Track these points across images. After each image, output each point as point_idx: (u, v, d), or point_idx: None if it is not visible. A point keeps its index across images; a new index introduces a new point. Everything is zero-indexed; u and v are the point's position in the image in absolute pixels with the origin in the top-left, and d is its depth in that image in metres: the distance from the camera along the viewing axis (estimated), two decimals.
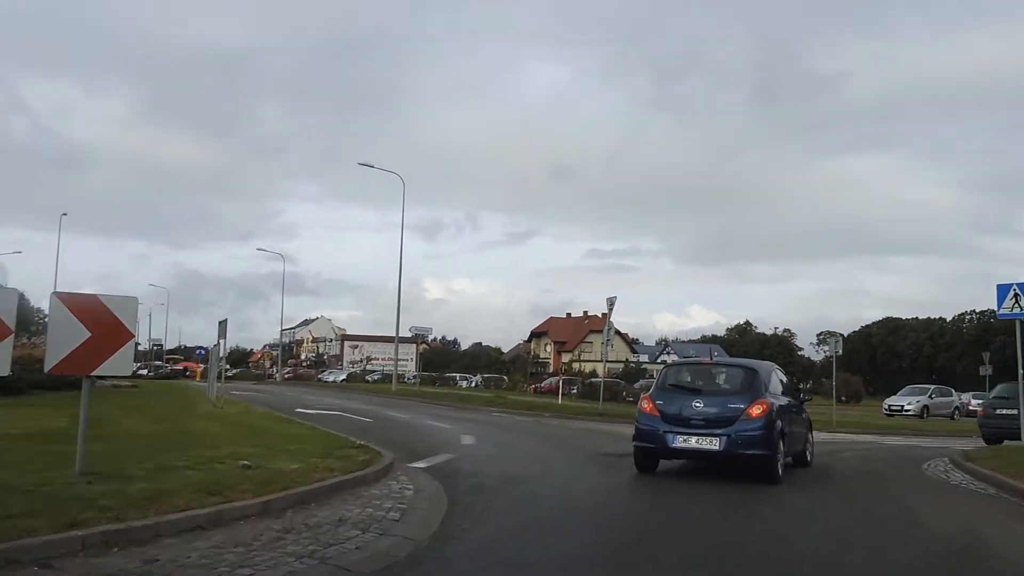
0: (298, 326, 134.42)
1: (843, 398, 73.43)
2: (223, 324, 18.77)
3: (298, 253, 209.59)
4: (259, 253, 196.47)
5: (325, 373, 76.71)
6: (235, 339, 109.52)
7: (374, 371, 72.09)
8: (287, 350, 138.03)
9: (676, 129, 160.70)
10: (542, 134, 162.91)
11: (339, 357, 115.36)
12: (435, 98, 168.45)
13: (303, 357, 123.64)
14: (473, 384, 60.41)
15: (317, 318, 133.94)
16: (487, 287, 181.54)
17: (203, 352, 66.84)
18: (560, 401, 33.10)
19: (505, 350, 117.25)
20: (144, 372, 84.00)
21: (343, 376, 69.95)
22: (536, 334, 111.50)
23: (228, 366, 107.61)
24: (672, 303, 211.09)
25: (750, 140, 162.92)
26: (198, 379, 61.84)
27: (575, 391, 47.33)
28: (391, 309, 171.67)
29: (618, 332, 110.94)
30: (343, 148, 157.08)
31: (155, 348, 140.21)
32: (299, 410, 23.95)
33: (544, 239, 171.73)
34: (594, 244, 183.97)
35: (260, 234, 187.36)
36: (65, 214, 56.85)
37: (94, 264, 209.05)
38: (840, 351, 30.52)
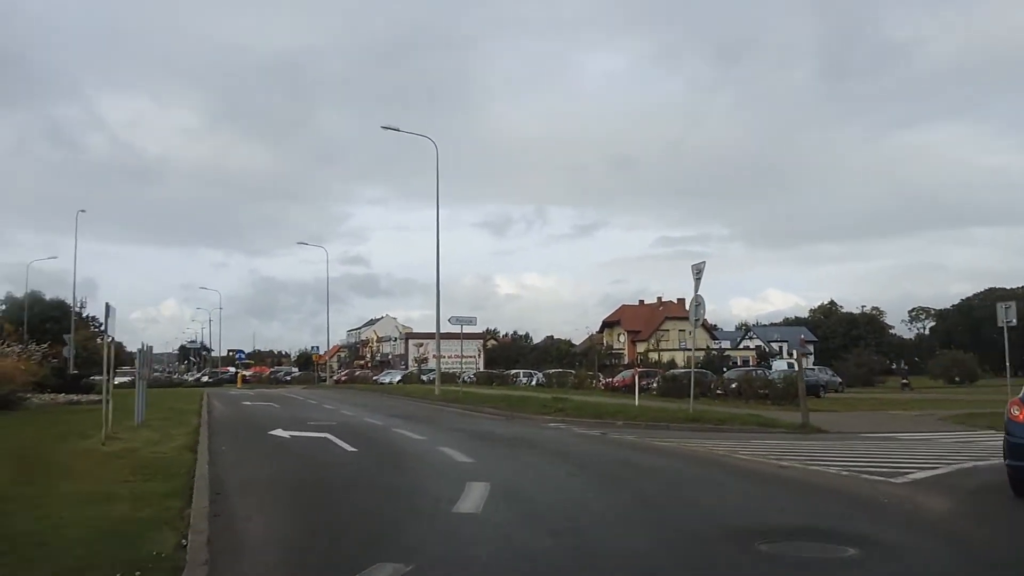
0: (364, 326, 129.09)
1: (956, 379, 63.73)
2: (109, 310, 12.24)
3: (370, 255, 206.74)
4: (332, 257, 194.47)
5: (383, 374, 70.28)
6: (310, 341, 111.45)
7: (431, 370, 65.27)
8: (353, 351, 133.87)
9: (738, 111, 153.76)
10: (603, 124, 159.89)
11: (403, 356, 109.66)
12: (495, 93, 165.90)
13: (368, 357, 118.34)
14: (535, 382, 52.69)
15: (382, 317, 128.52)
16: (557, 281, 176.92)
17: (242, 356, 61.09)
18: (637, 403, 25.43)
19: (576, 342, 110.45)
20: (205, 378, 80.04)
21: (398, 377, 63.34)
22: (608, 324, 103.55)
23: (295, 369, 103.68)
24: (747, 288, 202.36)
25: (816, 117, 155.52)
26: (239, 386, 56.00)
27: (653, 386, 39.57)
28: (463, 305, 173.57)
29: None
30: (406, 148, 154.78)
31: (230, 354, 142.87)
32: (274, 432, 16.98)
33: (612, 230, 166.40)
34: (663, 232, 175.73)
35: (331, 238, 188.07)
36: (83, 211, 51.51)
37: (177, 274, 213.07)
38: (1014, 320, 22.49)
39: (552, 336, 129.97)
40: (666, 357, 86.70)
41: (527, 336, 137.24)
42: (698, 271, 22.04)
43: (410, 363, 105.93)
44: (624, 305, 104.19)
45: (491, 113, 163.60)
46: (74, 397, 25.76)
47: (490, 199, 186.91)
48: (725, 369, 51.35)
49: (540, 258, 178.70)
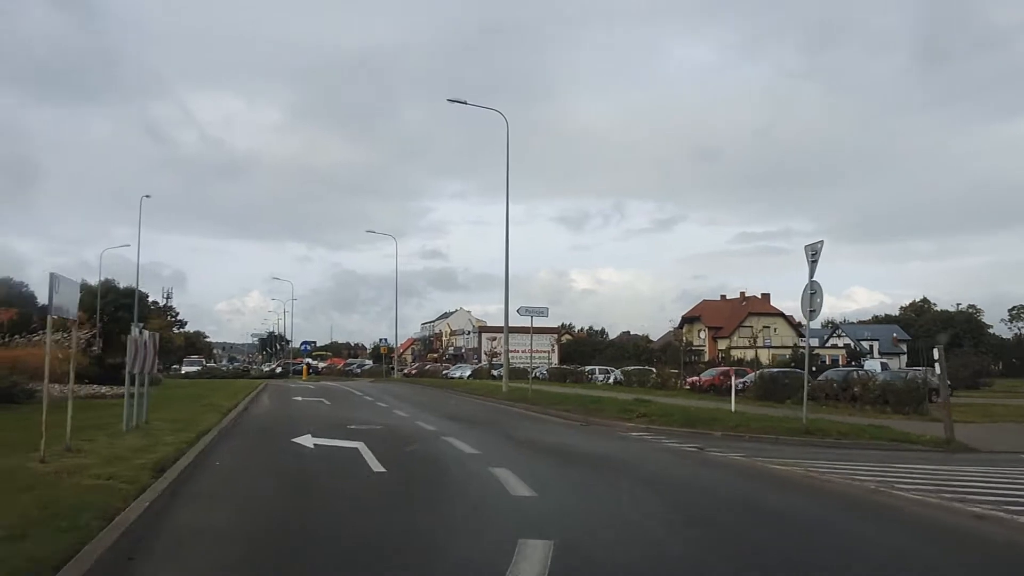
0: (438, 319, 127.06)
1: None
2: (53, 281, 9.30)
3: (448, 249, 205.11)
4: (412, 251, 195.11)
5: (453, 368, 67.49)
6: (387, 334, 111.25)
7: (502, 365, 62.20)
8: (427, 344, 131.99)
9: (827, 100, 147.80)
10: (685, 115, 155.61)
11: (476, 350, 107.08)
12: (575, 86, 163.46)
13: (441, 351, 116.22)
14: (612, 379, 48.78)
15: (456, 311, 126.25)
16: (634, 276, 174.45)
17: (307, 348, 59.04)
18: (733, 407, 21.62)
19: (654, 338, 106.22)
20: (279, 369, 78.85)
21: (468, 372, 60.37)
22: (688, 319, 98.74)
23: (368, 362, 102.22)
24: (830, 285, 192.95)
25: (909, 106, 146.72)
26: (304, 378, 53.92)
27: (743, 387, 35.53)
28: (538, 300, 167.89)
29: (781, 314, 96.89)
30: (486, 143, 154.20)
31: (305, 345, 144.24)
32: (299, 440, 13.88)
33: (691, 224, 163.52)
34: (743, 227, 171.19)
35: (411, 232, 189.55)
36: (148, 196, 50.01)
37: (262, 267, 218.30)
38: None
39: (628, 332, 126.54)
40: (748, 354, 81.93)
41: (602, 331, 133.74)
42: (814, 253, 18.09)
43: (482, 357, 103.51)
44: (705, 300, 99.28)
45: (572, 106, 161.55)
46: (103, 389, 23.28)
47: (568, 193, 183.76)
48: (814, 368, 46.67)
49: (617, 253, 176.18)
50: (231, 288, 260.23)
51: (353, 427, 16.77)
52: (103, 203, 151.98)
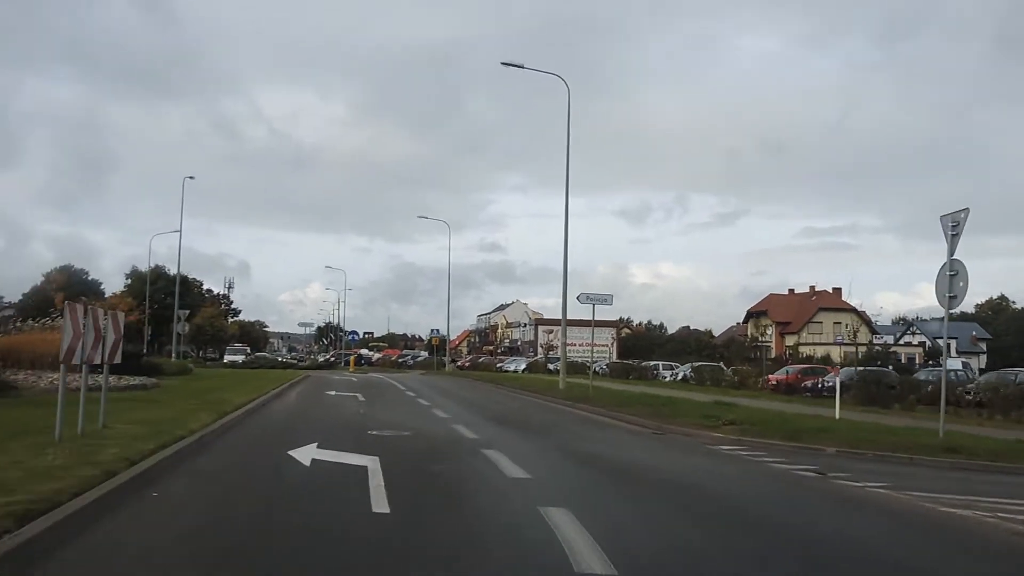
0: (494, 311, 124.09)
1: None
2: None
3: (507, 242, 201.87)
4: (471, 243, 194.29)
5: (507, 361, 64.13)
6: (444, 325, 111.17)
7: (559, 358, 58.47)
8: (482, 336, 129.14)
9: (901, 92, 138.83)
10: (751, 109, 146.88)
11: (532, 343, 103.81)
12: (639, 78, 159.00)
13: (496, 343, 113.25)
14: (679, 376, 44.53)
15: (512, 303, 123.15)
16: (694, 270, 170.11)
17: (354, 338, 56.24)
18: (838, 414, 17.75)
19: (716, 333, 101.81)
20: (332, 359, 76.62)
21: (523, 365, 56.95)
22: (753, 314, 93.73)
23: (423, 353, 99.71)
24: (897, 282, 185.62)
25: (987, 97, 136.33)
26: (351, 369, 51.23)
27: (824, 387, 31.59)
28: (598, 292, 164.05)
29: (854, 309, 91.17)
30: (546, 135, 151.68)
31: (366, 336, 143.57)
32: (296, 453, 10.58)
33: (754, 219, 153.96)
34: (809, 222, 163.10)
35: (471, 225, 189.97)
36: (192, 177, 47.65)
37: (324, 259, 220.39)
38: None
39: (688, 327, 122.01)
40: (818, 351, 76.99)
41: (661, 326, 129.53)
42: (955, 224, 14.18)
43: (538, 350, 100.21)
44: (772, 294, 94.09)
45: (636, 99, 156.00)
46: (111, 380, 20.38)
47: (629, 187, 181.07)
48: (889, 367, 42.02)
49: (677, 247, 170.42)
50: (293, 279, 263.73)
51: (375, 433, 13.47)
52: (175, 195, 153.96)
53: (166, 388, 20.16)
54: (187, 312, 54.44)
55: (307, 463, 9.88)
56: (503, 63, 29.27)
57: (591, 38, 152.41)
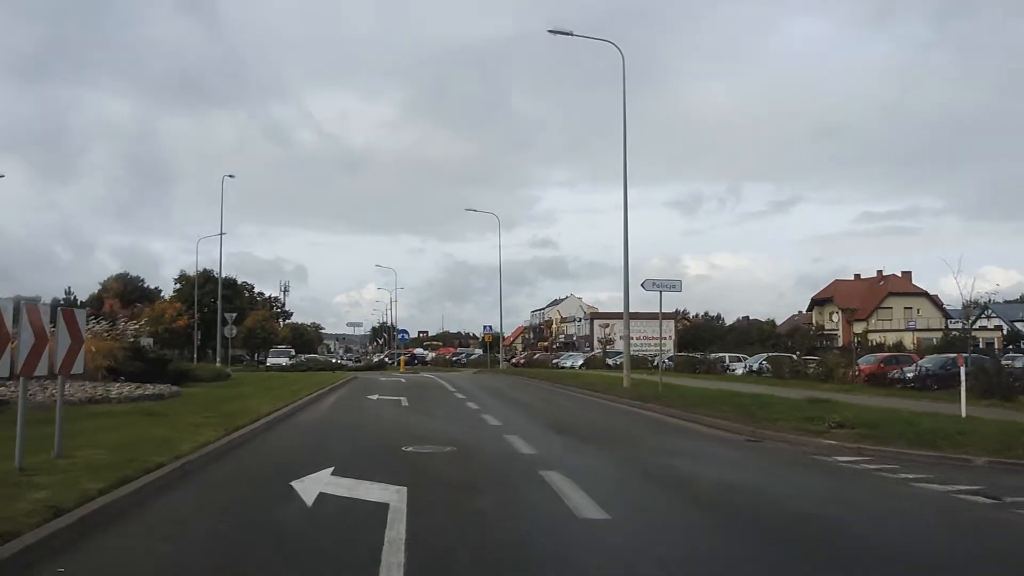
0: (547, 307, 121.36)
1: None
2: None
3: (558, 238, 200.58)
4: (522, 240, 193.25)
5: (564, 357, 61.40)
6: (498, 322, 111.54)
7: (618, 353, 55.36)
8: (537, 332, 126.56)
9: (960, 70, 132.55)
10: (806, 93, 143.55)
11: (588, 338, 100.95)
12: (688, 68, 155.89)
13: (551, 339, 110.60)
14: (751, 369, 40.91)
15: (566, 297, 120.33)
16: (749, 260, 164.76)
17: (404, 337, 54.04)
18: (964, 412, 14.68)
19: (777, 322, 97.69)
20: (387, 360, 74.93)
21: (580, 361, 54.15)
22: (818, 301, 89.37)
23: (477, 351, 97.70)
24: (960, 265, 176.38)
25: None
26: (401, 369, 49.06)
27: (900, 377, 28.43)
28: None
29: (925, 293, 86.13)
30: (593, 129, 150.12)
31: (420, 335, 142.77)
32: (302, 484, 8.09)
33: (810, 205, 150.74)
34: (867, 207, 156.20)
35: (521, 222, 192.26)
36: (231, 176, 45.88)
37: (378, 260, 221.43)
38: None
39: (747, 317, 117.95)
40: (889, 339, 72.67)
41: (718, 317, 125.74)
42: None
43: (595, 345, 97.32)
44: (837, 280, 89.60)
45: (686, 88, 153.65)
46: (126, 389, 18.27)
47: (681, 178, 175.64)
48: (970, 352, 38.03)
49: (732, 237, 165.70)
50: (349, 281, 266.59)
51: (410, 450, 10.96)
52: (229, 201, 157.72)
53: (185, 397, 17.96)
54: (234, 315, 52.93)
55: (310, 501, 7.38)
56: (550, 31, 26.58)
57: (637, 29, 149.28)
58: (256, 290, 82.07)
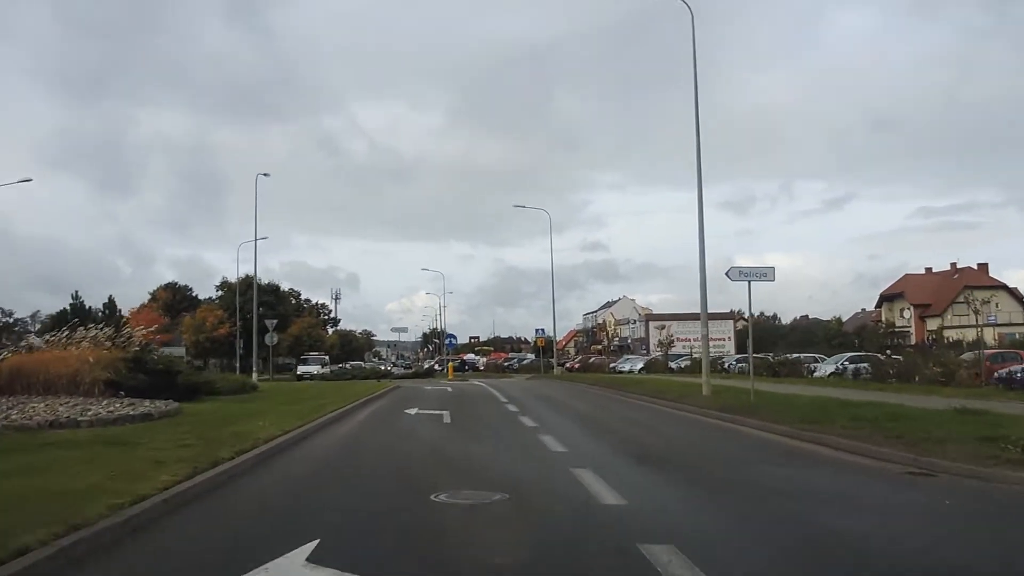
0: (600, 309, 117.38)
1: None
2: None
3: (608, 241, 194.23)
4: (572, 244, 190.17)
5: (621, 361, 57.54)
6: (550, 327, 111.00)
7: (680, 356, 51.32)
8: (589, 335, 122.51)
9: (1019, 57, 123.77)
10: (857, 87, 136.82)
11: (644, 340, 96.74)
12: (737, 63, 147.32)
13: (605, 342, 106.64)
14: (843, 370, 36.20)
15: (619, 299, 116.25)
16: (802, 259, 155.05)
17: (452, 343, 50.87)
18: None
19: (843, 320, 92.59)
20: (437, 367, 71.93)
21: (640, 365, 50.28)
22: (887, 297, 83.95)
23: (530, 356, 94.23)
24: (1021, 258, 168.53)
25: None
26: (450, 376, 45.82)
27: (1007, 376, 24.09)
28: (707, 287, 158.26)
29: (1004, 286, 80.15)
30: (642, 130, 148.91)
31: (472, 341, 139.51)
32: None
33: (864, 202, 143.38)
34: (923, 202, 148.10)
35: (571, 226, 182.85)
36: (266, 174, 43.01)
37: (429, 267, 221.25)
38: None
39: (807, 316, 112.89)
40: (964, 335, 67.17)
41: (775, 317, 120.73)
42: None
43: (651, 347, 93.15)
44: (908, 275, 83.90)
45: (734, 86, 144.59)
46: (122, 407, 15.10)
47: (732, 177, 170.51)
48: None
49: (784, 236, 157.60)
50: (400, 288, 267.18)
51: (442, 499, 7.51)
52: (281, 213, 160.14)
53: (182, 418, 14.78)
54: (275, 322, 50.31)
55: None
56: None
57: (685, 27, 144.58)
58: (303, 297, 79.89)
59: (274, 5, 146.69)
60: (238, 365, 54.82)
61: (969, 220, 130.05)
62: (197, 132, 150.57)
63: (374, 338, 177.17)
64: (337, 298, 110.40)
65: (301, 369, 54.59)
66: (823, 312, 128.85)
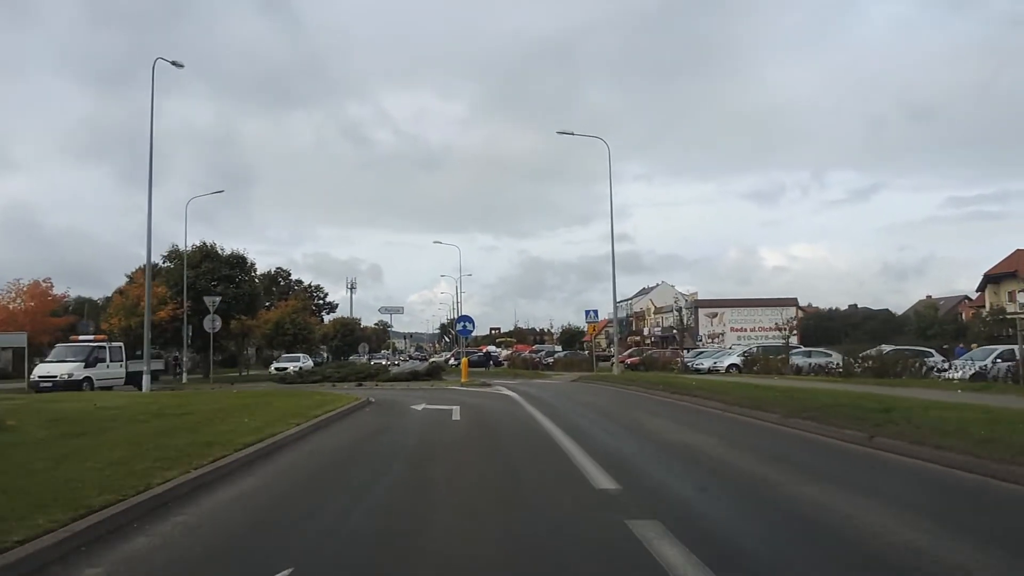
0: (634, 297, 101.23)
1: None
2: None
3: (634, 232, 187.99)
4: (596, 235, 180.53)
5: (692, 354, 41.43)
6: (572, 319, 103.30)
7: (798, 348, 35.28)
8: (624, 325, 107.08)
9: None
10: (888, 77, 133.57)
11: (692, 329, 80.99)
12: (767, 53, 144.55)
13: (646, 332, 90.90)
14: (982, 370, 21.77)
15: (657, 285, 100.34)
16: (828, 250, 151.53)
17: (466, 332, 34.90)
18: None
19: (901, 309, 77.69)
20: (452, 360, 56.45)
21: (733, 359, 34.37)
22: (992, 278, 67.60)
23: (558, 348, 78.61)
24: None
25: None
26: (463, 377, 30.07)
27: None
28: (729, 280, 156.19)
29: None
30: (670, 121, 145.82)
31: (492, 332, 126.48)
32: None
33: (892, 192, 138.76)
34: (953, 192, 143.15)
35: (595, 217, 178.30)
36: (176, 63, 27.51)
37: (452, 258, 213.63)
38: None
39: (855, 305, 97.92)
40: None
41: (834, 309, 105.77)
42: None
43: (703, 339, 77.83)
44: (1019, 250, 67.47)
45: (762, 76, 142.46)
46: None
47: (758, 168, 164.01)
48: None
49: (811, 226, 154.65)
50: (423, 280, 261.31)
51: None
52: (309, 205, 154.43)
53: None
54: (216, 300, 35.08)
55: None
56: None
57: (714, 15, 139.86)
58: (294, 278, 64.63)
59: None
60: (183, 359, 39.57)
61: (999, 210, 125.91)
62: (222, 122, 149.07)
63: (391, 329, 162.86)
64: (352, 288, 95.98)
65: (274, 367, 44.20)
66: (846, 302, 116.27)
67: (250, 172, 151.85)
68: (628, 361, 46.13)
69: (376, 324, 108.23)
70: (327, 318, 72.64)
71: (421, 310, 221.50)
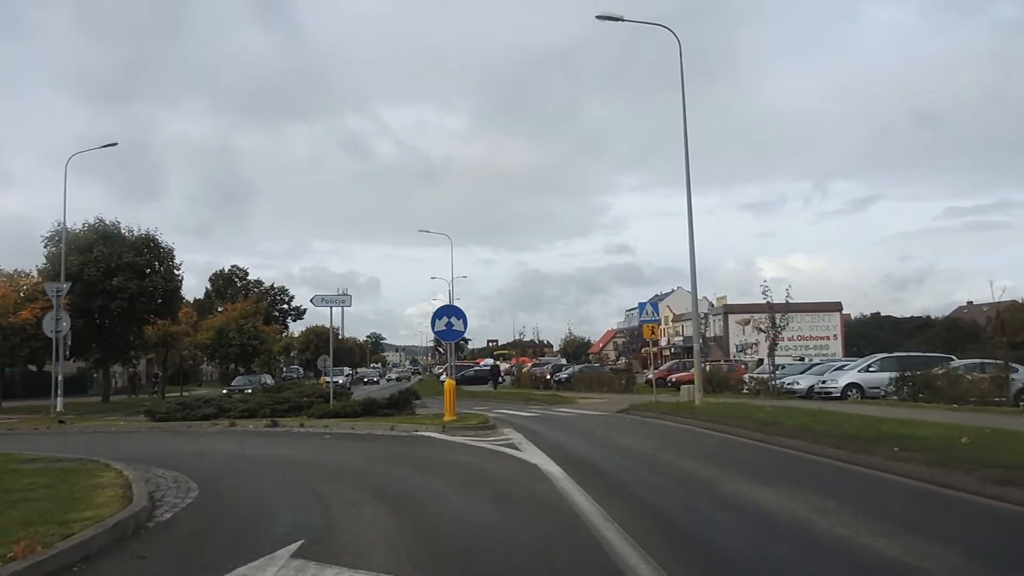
0: (649, 302, 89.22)
1: None
2: None
3: (632, 244, 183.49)
4: (596, 247, 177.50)
5: (792, 375, 28.30)
6: (577, 331, 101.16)
7: (909, 356, 22.95)
8: (635, 336, 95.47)
9: None
10: (888, 85, 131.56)
11: (720, 339, 69.34)
12: (767, 62, 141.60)
13: (664, 343, 79.10)
14: None
15: (673, 290, 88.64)
16: (826, 261, 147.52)
17: (455, 331, 22.48)
18: None
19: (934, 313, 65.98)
20: (443, 377, 44.46)
21: (850, 377, 22.25)
22: None
23: (563, 360, 66.02)
24: None
25: None
26: (447, 412, 17.86)
27: None
28: (725, 291, 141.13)
29: None
30: (668, 132, 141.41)
31: (490, 344, 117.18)
32: None
33: (890, 202, 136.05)
34: (951, 202, 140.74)
35: (594, 229, 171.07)
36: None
37: (447, 272, 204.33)
38: None
39: (878, 313, 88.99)
40: None
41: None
42: None
43: (731, 349, 66.48)
44: None
45: (759, 85, 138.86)
46: None
47: (756, 179, 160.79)
48: None
49: (809, 237, 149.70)
50: (422, 293, 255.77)
51: None
52: (305, 219, 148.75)
53: None
54: (64, 286, 22.98)
55: None
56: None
57: (712, 26, 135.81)
58: (252, 277, 52.44)
59: (302, 8, 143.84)
60: (57, 377, 27.17)
61: (999, 220, 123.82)
62: (220, 135, 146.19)
63: (383, 341, 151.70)
64: (344, 295, 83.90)
65: (232, 385, 35.45)
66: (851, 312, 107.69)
67: (248, 185, 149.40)
68: (672, 378, 34.22)
69: (368, 337, 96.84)
70: (296, 327, 60.19)
71: (419, 323, 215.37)
